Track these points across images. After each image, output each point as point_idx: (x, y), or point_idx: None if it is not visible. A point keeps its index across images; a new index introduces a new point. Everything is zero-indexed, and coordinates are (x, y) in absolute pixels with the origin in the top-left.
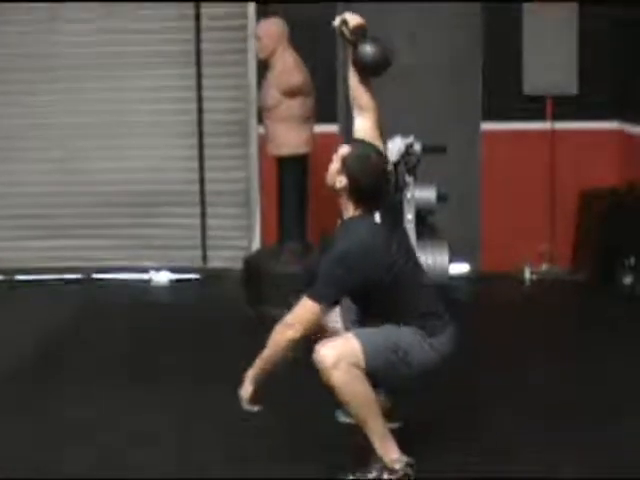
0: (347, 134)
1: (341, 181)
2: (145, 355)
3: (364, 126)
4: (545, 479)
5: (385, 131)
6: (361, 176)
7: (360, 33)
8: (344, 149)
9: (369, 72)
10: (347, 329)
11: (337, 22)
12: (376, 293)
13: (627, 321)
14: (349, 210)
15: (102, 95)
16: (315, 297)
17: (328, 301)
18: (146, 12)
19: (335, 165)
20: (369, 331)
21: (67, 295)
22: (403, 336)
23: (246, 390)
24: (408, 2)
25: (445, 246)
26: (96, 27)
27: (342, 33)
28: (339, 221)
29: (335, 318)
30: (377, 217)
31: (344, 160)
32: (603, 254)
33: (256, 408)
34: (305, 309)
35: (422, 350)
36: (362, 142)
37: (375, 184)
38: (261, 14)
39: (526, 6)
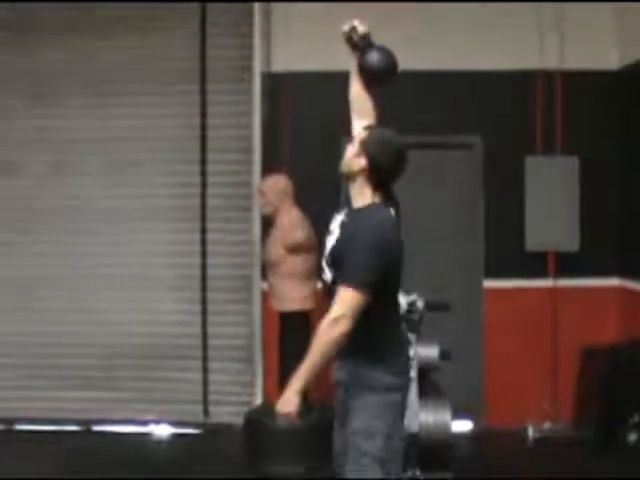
0: None
1: (360, 163)
2: None
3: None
4: None
5: None
6: (381, 157)
7: (368, 40)
8: (362, 133)
9: (375, 79)
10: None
11: (346, 28)
12: (381, 290)
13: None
14: (365, 195)
15: (105, 249)
16: (354, 285)
17: (368, 287)
18: (149, 167)
19: (353, 148)
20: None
21: (66, 446)
22: (376, 430)
23: (292, 403)
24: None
25: (447, 404)
26: (99, 182)
27: (350, 39)
28: (344, 210)
29: None
30: (392, 211)
31: (363, 142)
32: (606, 411)
33: (297, 420)
34: (349, 299)
35: (394, 418)
36: (377, 126)
37: (394, 165)
38: (266, 171)
39: (528, 161)
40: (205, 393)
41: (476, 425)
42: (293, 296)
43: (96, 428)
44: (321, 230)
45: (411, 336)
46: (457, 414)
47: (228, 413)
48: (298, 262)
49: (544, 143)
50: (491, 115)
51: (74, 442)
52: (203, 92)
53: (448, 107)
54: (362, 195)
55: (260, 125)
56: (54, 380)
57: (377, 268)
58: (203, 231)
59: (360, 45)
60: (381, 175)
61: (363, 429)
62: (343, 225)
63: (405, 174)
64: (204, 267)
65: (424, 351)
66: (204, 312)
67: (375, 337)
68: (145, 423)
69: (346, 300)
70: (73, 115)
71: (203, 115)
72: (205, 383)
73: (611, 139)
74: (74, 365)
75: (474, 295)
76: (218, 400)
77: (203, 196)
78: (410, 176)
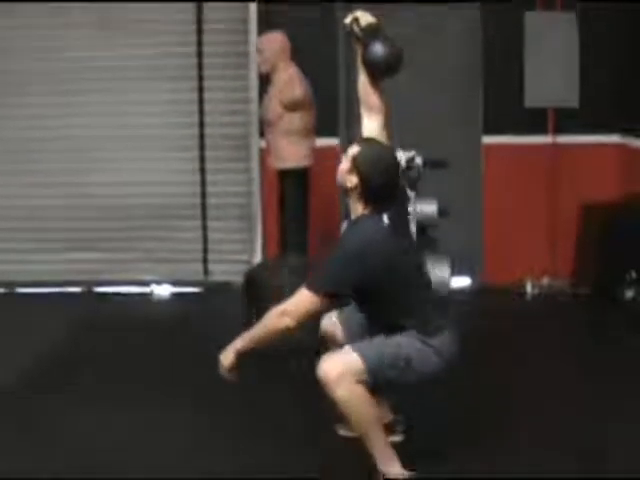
0: (348, 147)
1: (352, 181)
2: (145, 370)
3: (372, 127)
4: None
5: (393, 132)
6: (372, 176)
7: (371, 32)
8: (354, 148)
9: (379, 72)
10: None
11: (348, 20)
12: (376, 293)
13: (629, 335)
14: (358, 209)
15: (101, 109)
16: (314, 288)
17: (326, 293)
18: (146, 26)
19: (345, 165)
20: (370, 344)
21: (68, 308)
22: (404, 345)
23: (227, 358)
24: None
25: (446, 260)
26: (96, 40)
27: (353, 31)
28: (345, 222)
29: (333, 320)
30: (385, 218)
31: (354, 159)
32: (604, 268)
33: (233, 378)
34: (303, 299)
35: (424, 356)
36: (372, 141)
37: (386, 184)
38: (263, 28)
39: (527, 16)
40: (205, 252)
41: (474, 281)
42: (291, 153)
43: (97, 289)
44: (318, 89)
45: (410, 193)
46: (456, 270)
47: (228, 272)
48: (296, 119)
49: None
50: None
51: (75, 304)
52: None
53: None
54: (356, 208)
55: None
56: (54, 242)
57: (345, 279)
58: (200, 90)
59: (362, 37)
60: (373, 192)
61: (396, 340)
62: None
63: (405, 31)
64: (202, 126)
65: (422, 207)
66: (202, 171)
67: (396, 325)
68: (146, 283)
69: (300, 300)
70: None
71: None
72: (205, 242)
73: None
74: (73, 227)
75: (473, 151)
76: (218, 259)
77: (199, 55)
78: (410, 32)
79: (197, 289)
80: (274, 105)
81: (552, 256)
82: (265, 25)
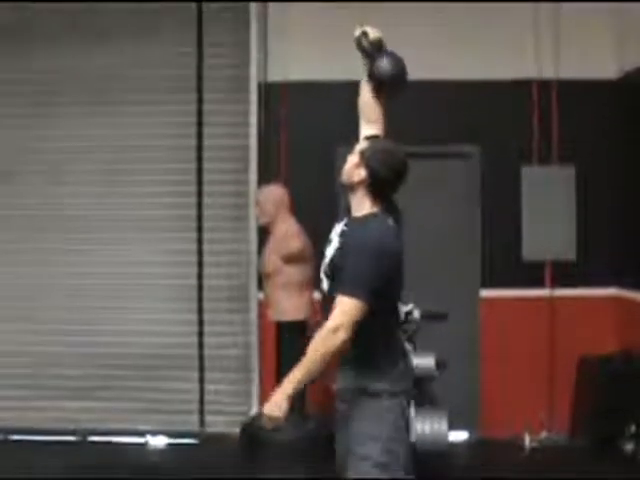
0: None
1: (360, 174)
2: None
3: (370, 134)
4: None
5: None
6: (381, 168)
7: (379, 46)
8: (362, 144)
9: (385, 86)
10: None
11: (357, 33)
12: (382, 297)
13: None
14: (364, 205)
15: (101, 259)
16: (353, 294)
17: (366, 297)
18: (146, 175)
19: (353, 159)
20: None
21: (63, 456)
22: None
23: (281, 407)
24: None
25: (444, 414)
26: (95, 191)
27: (360, 45)
28: (344, 220)
29: None
30: (390, 220)
31: (363, 153)
32: (603, 421)
33: (281, 423)
34: (348, 307)
35: (396, 421)
36: (379, 138)
37: (395, 176)
38: (263, 180)
39: (524, 171)
40: (201, 403)
41: (472, 435)
42: (289, 306)
43: (92, 438)
44: (317, 240)
45: (407, 346)
46: (454, 424)
47: (225, 423)
48: (294, 272)
49: (541, 152)
50: (488, 125)
51: (70, 452)
52: (199, 101)
53: (445, 117)
54: (362, 205)
55: (256, 135)
56: (50, 390)
57: (375, 277)
58: (199, 241)
59: (370, 51)
60: (381, 186)
61: (363, 434)
62: (343, 234)
63: (403, 183)
64: (200, 277)
65: (420, 361)
66: (200, 322)
67: (375, 345)
68: (141, 433)
69: (344, 309)
70: (68, 124)
71: (199, 124)
72: (201, 393)
73: (608, 148)
74: (70, 375)
75: (471, 305)
76: (215, 410)
77: (199, 206)
78: (407, 185)
79: (193, 440)
80: (273, 258)
81: (550, 409)
82: (265, 175)
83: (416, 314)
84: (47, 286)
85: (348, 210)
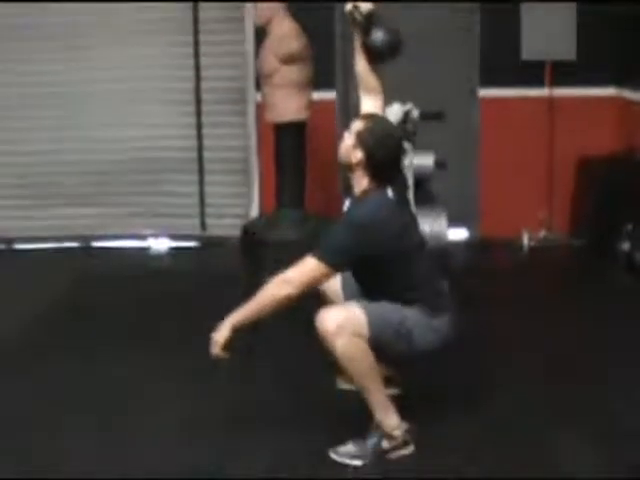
0: (344, 100)
1: (356, 156)
2: (145, 323)
3: (371, 106)
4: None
5: None
6: (377, 149)
7: (371, 18)
8: (358, 124)
9: (380, 57)
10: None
11: (349, 7)
12: (381, 268)
13: (625, 287)
14: (362, 184)
15: (98, 63)
16: (321, 258)
17: (333, 264)
18: None
19: (349, 140)
20: (376, 305)
21: (66, 263)
22: (408, 315)
23: (222, 335)
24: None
25: (443, 212)
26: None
27: (354, 19)
28: (347, 199)
29: (336, 288)
30: (389, 192)
31: (359, 134)
32: (601, 220)
33: (224, 355)
34: (308, 267)
35: (424, 331)
36: (375, 116)
37: (391, 157)
38: None
39: None
40: (202, 206)
41: (472, 234)
42: (288, 106)
43: (95, 244)
44: (314, 41)
45: (407, 146)
46: (453, 223)
47: (225, 225)
48: (292, 72)
49: None
50: None
51: (74, 258)
52: None
53: None
54: (360, 183)
55: None
56: (51, 198)
57: (352, 249)
58: (196, 43)
59: (364, 24)
60: (377, 167)
61: (399, 310)
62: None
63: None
64: (198, 80)
65: (419, 160)
66: (199, 125)
67: (402, 301)
68: (143, 237)
69: (304, 268)
70: None
71: None
72: (202, 196)
73: None
74: (71, 182)
75: (470, 104)
76: (215, 213)
77: (195, 8)
78: None
79: (194, 243)
80: (270, 58)
81: (549, 209)
82: None
83: (414, 113)
84: (43, 94)
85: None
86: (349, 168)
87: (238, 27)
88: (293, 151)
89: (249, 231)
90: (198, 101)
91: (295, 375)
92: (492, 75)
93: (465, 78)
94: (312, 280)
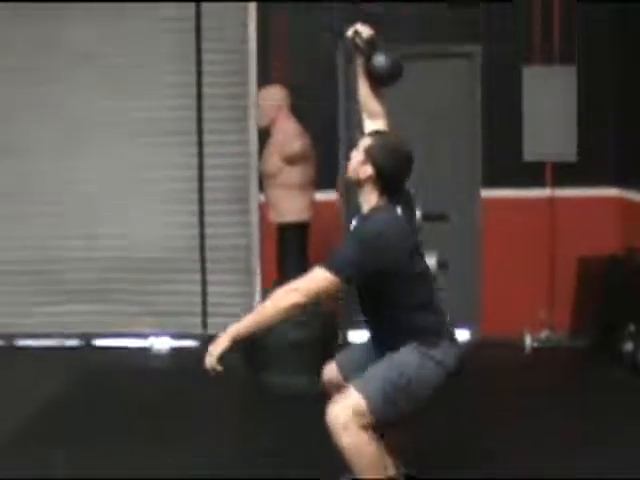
0: (347, 202)
1: (366, 171)
2: (145, 421)
3: (375, 128)
4: None
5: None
6: (387, 164)
7: (372, 44)
8: (366, 140)
9: (382, 82)
10: (345, 378)
11: (350, 33)
12: (388, 286)
13: (629, 388)
14: (372, 200)
15: (103, 162)
16: (330, 268)
17: (341, 274)
18: (147, 79)
19: (359, 156)
20: (371, 377)
21: (67, 360)
22: (406, 361)
23: (220, 345)
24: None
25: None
26: (97, 93)
27: (355, 44)
28: (355, 218)
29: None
30: (399, 210)
31: (369, 149)
32: (603, 321)
33: (219, 368)
34: (317, 276)
35: (427, 372)
36: (383, 133)
37: (400, 171)
38: (262, 81)
39: (525, 71)
40: (204, 305)
41: (473, 334)
42: (290, 207)
43: (96, 342)
44: (318, 142)
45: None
46: (455, 323)
47: (226, 324)
48: (295, 173)
49: (542, 52)
50: (490, 25)
51: (74, 356)
52: (198, 3)
53: (446, 16)
54: (369, 199)
55: (256, 36)
56: (54, 294)
57: (360, 263)
58: (200, 143)
59: (365, 49)
60: (387, 181)
61: (395, 362)
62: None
63: (405, 82)
64: (201, 179)
65: None
66: (202, 224)
67: (412, 327)
68: (144, 336)
69: (312, 276)
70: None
71: (198, 28)
72: (203, 295)
73: (610, 48)
74: (73, 279)
75: (472, 205)
76: (216, 312)
77: (199, 108)
78: (410, 85)
79: (196, 342)
80: (274, 159)
81: (551, 308)
82: (264, 78)
83: (417, 214)
84: (49, 190)
85: (359, 207)
86: (357, 184)
87: (242, 127)
88: (295, 251)
89: None
90: (201, 200)
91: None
92: (494, 176)
93: (467, 179)
94: (320, 289)
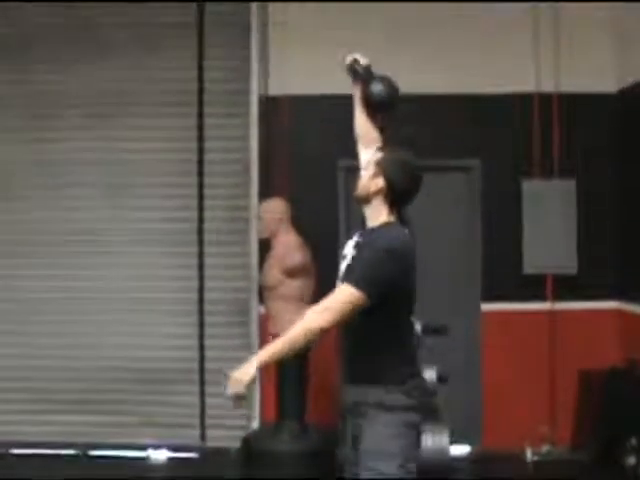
0: None
1: (378, 183)
2: None
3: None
4: None
5: None
6: (398, 177)
7: (370, 71)
8: (378, 155)
9: (379, 109)
10: None
11: (348, 60)
12: (390, 300)
13: None
14: (382, 215)
15: (102, 272)
16: (355, 284)
17: (368, 293)
18: (149, 191)
19: (368, 172)
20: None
21: (64, 471)
22: (392, 454)
23: (247, 373)
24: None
25: (445, 428)
26: (95, 204)
27: (354, 70)
28: (358, 233)
29: None
30: (406, 230)
31: (380, 163)
32: (605, 434)
33: (245, 395)
34: (344, 293)
35: (408, 440)
36: (393, 147)
37: (411, 186)
38: (264, 194)
39: (525, 184)
40: (202, 417)
41: (474, 449)
42: (290, 319)
43: (93, 452)
44: (318, 254)
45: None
46: (455, 438)
47: (225, 437)
48: (295, 286)
49: (542, 166)
50: (489, 138)
51: (71, 466)
52: (200, 115)
53: (445, 130)
54: (378, 215)
55: (257, 148)
56: (50, 404)
57: (384, 278)
58: (200, 255)
59: (364, 76)
60: (398, 194)
61: (379, 450)
62: (358, 245)
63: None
64: (201, 290)
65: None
66: (201, 336)
67: (388, 356)
68: (142, 447)
69: (342, 295)
70: (70, 137)
71: (200, 138)
72: (202, 407)
73: (608, 162)
74: (70, 389)
75: (472, 318)
76: (215, 424)
77: (200, 220)
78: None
79: (194, 454)
80: (274, 271)
81: (552, 422)
82: (266, 188)
83: (417, 327)
84: (45, 299)
85: (363, 224)
86: (366, 200)
87: (243, 239)
88: (295, 363)
89: (249, 444)
90: (201, 311)
91: None
92: (494, 289)
93: (467, 292)
94: (350, 306)
